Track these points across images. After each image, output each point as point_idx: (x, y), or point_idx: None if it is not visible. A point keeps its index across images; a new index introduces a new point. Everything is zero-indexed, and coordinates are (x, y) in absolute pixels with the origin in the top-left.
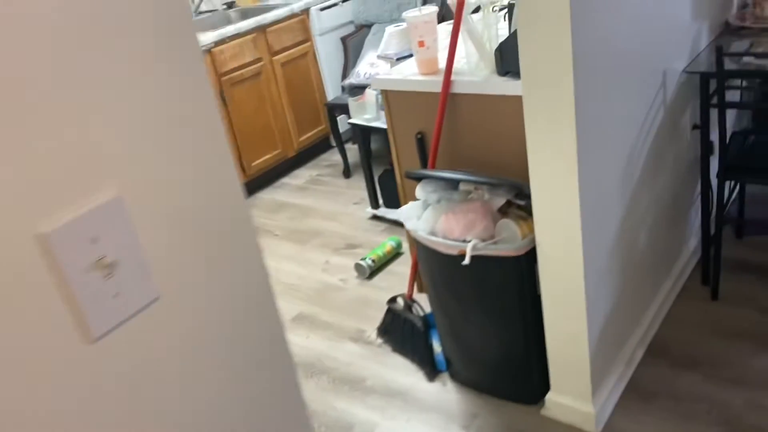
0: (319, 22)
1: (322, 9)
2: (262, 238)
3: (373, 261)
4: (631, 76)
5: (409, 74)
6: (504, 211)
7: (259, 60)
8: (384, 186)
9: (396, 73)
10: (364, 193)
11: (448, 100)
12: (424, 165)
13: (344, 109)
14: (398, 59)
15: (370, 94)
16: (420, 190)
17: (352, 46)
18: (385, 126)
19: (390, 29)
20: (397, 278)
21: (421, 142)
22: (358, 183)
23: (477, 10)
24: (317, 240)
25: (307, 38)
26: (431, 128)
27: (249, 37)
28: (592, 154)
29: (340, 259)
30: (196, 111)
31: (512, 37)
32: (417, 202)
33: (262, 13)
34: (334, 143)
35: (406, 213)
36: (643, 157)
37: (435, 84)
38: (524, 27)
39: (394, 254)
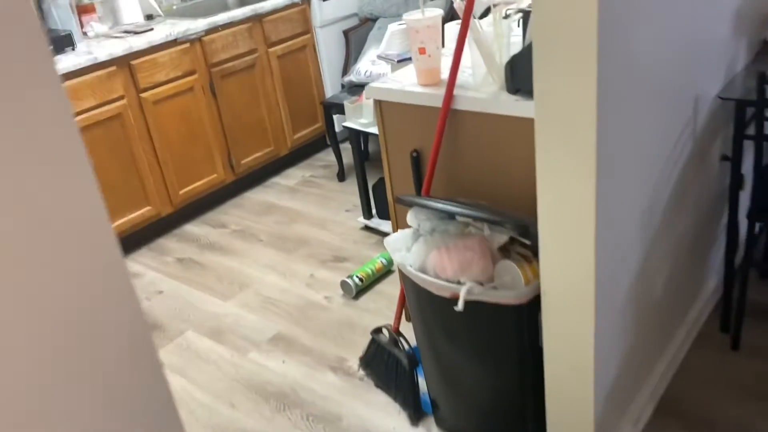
0: (321, 12)
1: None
2: (246, 242)
3: (361, 279)
4: (660, 101)
5: (406, 84)
6: (506, 250)
7: (253, 51)
8: (378, 196)
9: (392, 82)
10: (358, 200)
11: (449, 116)
12: (419, 186)
13: (342, 109)
14: (400, 61)
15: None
16: (412, 217)
17: (355, 40)
18: None
19: (393, 27)
20: (386, 299)
21: (417, 161)
22: (352, 188)
23: (487, 13)
24: (304, 249)
25: (307, 30)
26: (429, 146)
27: (244, 26)
28: (612, 191)
29: (326, 273)
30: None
31: (527, 51)
32: (407, 230)
33: (260, 0)
34: (329, 143)
35: (394, 243)
36: (667, 192)
37: (435, 98)
38: (541, 40)
39: (385, 272)
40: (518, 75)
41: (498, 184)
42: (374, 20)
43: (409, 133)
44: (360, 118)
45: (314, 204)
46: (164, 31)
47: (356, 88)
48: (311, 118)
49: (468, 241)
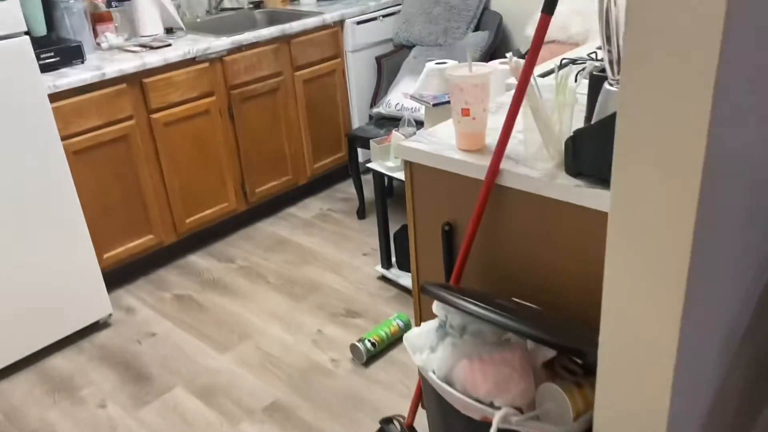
0: (354, 37)
1: (359, 23)
2: (252, 282)
3: (374, 344)
4: (760, 209)
5: (444, 146)
6: (552, 369)
7: (278, 74)
8: (399, 244)
9: (426, 141)
10: (377, 243)
11: (492, 191)
12: (449, 267)
13: (367, 142)
14: (436, 105)
15: (397, 138)
16: (439, 307)
17: (388, 67)
18: None
19: (431, 66)
20: (400, 370)
21: (449, 236)
22: (372, 228)
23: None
24: (314, 297)
25: (337, 54)
26: (464, 221)
27: (270, 47)
28: (699, 316)
29: (335, 330)
30: None
31: (597, 128)
32: (432, 323)
33: (291, 19)
34: (351, 176)
35: (414, 340)
36: (749, 311)
37: (478, 169)
38: (630, 117)
39: (400, 336)
40: (582, 155)
41: (546, 280)
42: (410, 47)
43: (443, 203)
44: (387, 160)
45: (329, 243)
46: (183, 47)
47: (384, 121)
48: (334, 146)
49: (506, 353)
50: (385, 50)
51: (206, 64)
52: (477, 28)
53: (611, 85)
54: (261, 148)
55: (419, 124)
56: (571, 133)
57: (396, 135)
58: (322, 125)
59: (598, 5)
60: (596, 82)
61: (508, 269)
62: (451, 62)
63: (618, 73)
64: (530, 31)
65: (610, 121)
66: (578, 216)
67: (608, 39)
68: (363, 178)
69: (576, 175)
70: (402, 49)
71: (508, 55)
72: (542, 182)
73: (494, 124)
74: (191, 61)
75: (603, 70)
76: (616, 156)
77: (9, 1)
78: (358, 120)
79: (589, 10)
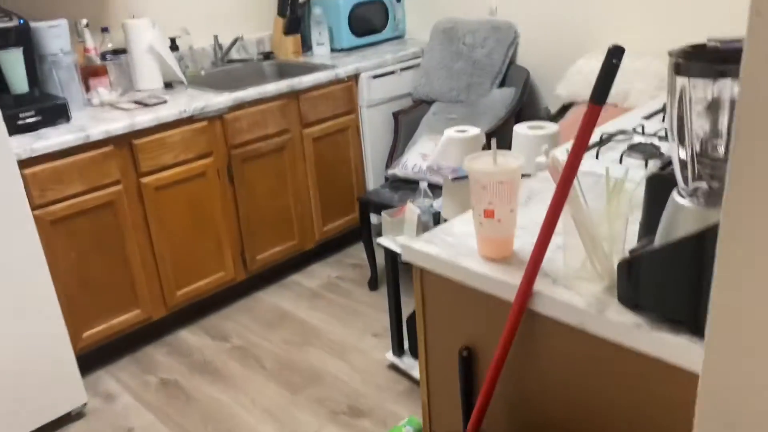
0: (369, 91)
1: (375, 77)
2: (246, 367)
3: None
4: None
5: (461, 251)
6: None
7: (285, 131)
8: (413, 329)
9: (440, 242)
10: (388, 320)
11: (523, 317)
12: (468, 407)
13: (380, 206)
14: (456, 179)
15: (412, 211)
16: None
17: (406, 123)
18: None
19: (450, 136)
20: None
21: (467, 363)
22: (384, 302)
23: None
24: (314, 389)
25: (352, 109)
26: (486, 346)
27: (276, 103)
28: None
29: None
30: None
31: (662, 255)
32: None
33: (302, 73)
34: (363, 242)
35: None
36: None
37: (504, 287)
38: (730, 261)
39: None
40: (641, 284)
41: (595, 427)
42: (430, 103)
43: (461, 322)
44: (399, 234)
45: (336, 319)
46: (179, 104)
47: (400, 184)
48: (346, 207)
49: None
50: (403, 105)
51: (204, 123)
52: (502, 84)
53: (682, 196)
54: (264, 211)
55: (439, 189)
56: (626, 254)
57: (410, 208)
58: (333, 185)
59: (668, 92)
60: (659, 186)
61: (544, 416)
62: (472, 130)
63: (693, 181)
64: (562, 90)
65: (682, 247)
66: (637, 363)
67: (680, 138)
68: (376, 243)
69: (632, 306)
70: (421, 104)
71: (544, 148)
72: (588, 314)
73: (523, 219)
74: (187, 120)
75: (665, 167)
76: (715, 305)
77: None
78: (373, 179)
79: (628, 67)
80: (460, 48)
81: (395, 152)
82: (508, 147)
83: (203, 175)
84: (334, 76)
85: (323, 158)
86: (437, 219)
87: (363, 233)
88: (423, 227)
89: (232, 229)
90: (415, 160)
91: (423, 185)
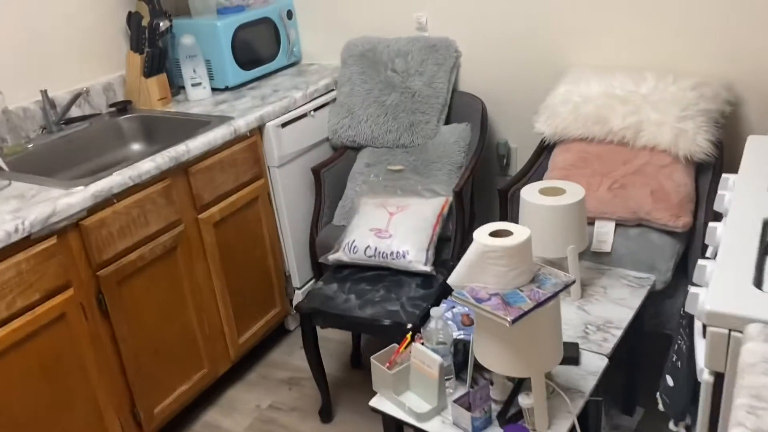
0: (279, 145)
1: (284, 124)
2: None
3: None
4: None
5: None
6: None
7: (174, 224)
8: None
9: None
10: None
11: None
12: None
13: (331, 321)
14: (515, 320)
15: (428, 358)
16: None
17: (331, 181)
18: None
19: (487, 243)
20: None
21: None
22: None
23: None
24: None
25: (259, 172)
26: None
27: (156, 188)
28: None
29: None
30: None
31: None
32: None
33: (183, 131)
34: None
35: None
36: None
37: None
38: None
39: None
40: None
41: None
42: (356, 149)
43: None
44: (402, 392)
45: None
46: (2, 218)
47: (350, 273)
48: (265, 302)
49: None
50: (321, 156)
51: (52, 241)
52: (447, 119)
53: None
54: (157, 341)
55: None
56: None
57: (423, 354)
58: (246, 278)
59: None
60: None
61: None
62: (518, 230)
63: None
64: (543, 126)
65: None
66: None
67: None
68: (322, 346)
69: None
70: (345, 152)
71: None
72: None
73: None
74: (24, 243)
75: None
76: None
77: None
78: (295, 260)
79: (634, 96)
80: (389, 76)
81: (320, 219)
82: (488, 209)
83: (61, 319)
84: (233, 132)
85: (229, 247)
86: (460, 354)
87: (305, 338)
88: (446, 385)
89: (114, 382)
90: (366, 240)
91: (437, 312)
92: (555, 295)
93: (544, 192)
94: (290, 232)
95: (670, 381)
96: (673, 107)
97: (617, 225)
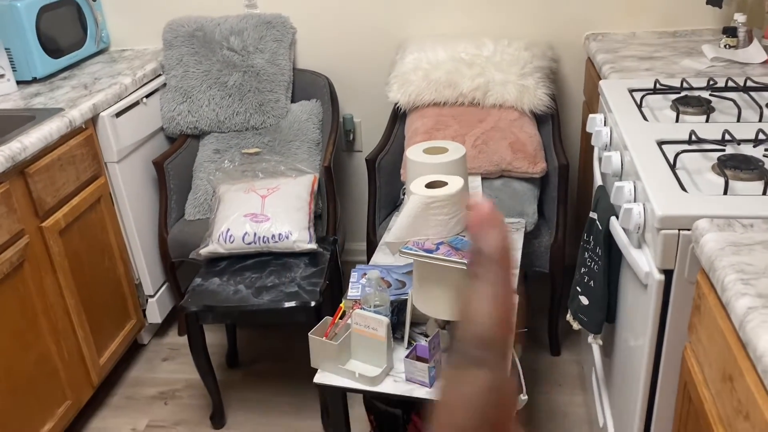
0: (117, 138)
1: (119, 114)
2: None
3: None
4: None
5: None
6: None
7: (16, 236)
8: None
9: None
10: None
11: None
12: None
13: (222, 317)
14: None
15: (375, 320)
16: None
17: (175, 174)
18: None
19: (426, 194)
20: None
21: None
22: None
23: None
24: None
25: (98, 169)
26: None
27: None
28: None
29: None
30: None
31: None
32: None
33: (12, 128)
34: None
35: None
36: None
37: None
38: None
39: None
40: None
41: None
42: (198, 137)
43: None
44: (345, 361)
45: None
46: None
47: (228, 265)
48: (121, 315)
49: None
50: (161, 148)
51: None
52: (293, 97)
53: None
54: (13, 379)
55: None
56: None
57: (366, 317)
58: (98, 292)
59: None
60: None
61: None
62: (452, 179)
63: None
64: (398, 95)
65: None
66: None
67: None
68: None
69: None
70: (186, 140)
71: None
72: None
73: None
74: None
75: None
76: None
77: None
78: (145, 266)
79: (479, 59)
80: (227, 55)
81: (168, 216)
82: (341, 183)
83: None
84: (68, 124)
85: (78, 257)
86: (397, 311)
87: (194, 349)
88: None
89: None
90: (242, 227)
91: (373, 275)
92: None
93: (428, 152)
94: (137, 235)
95: (584, 300)
96: (513, 66)
97: (482, 179)
